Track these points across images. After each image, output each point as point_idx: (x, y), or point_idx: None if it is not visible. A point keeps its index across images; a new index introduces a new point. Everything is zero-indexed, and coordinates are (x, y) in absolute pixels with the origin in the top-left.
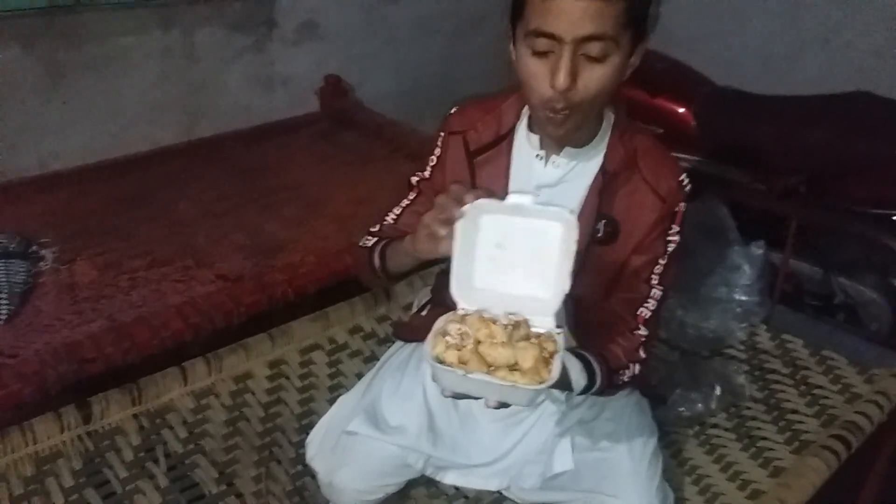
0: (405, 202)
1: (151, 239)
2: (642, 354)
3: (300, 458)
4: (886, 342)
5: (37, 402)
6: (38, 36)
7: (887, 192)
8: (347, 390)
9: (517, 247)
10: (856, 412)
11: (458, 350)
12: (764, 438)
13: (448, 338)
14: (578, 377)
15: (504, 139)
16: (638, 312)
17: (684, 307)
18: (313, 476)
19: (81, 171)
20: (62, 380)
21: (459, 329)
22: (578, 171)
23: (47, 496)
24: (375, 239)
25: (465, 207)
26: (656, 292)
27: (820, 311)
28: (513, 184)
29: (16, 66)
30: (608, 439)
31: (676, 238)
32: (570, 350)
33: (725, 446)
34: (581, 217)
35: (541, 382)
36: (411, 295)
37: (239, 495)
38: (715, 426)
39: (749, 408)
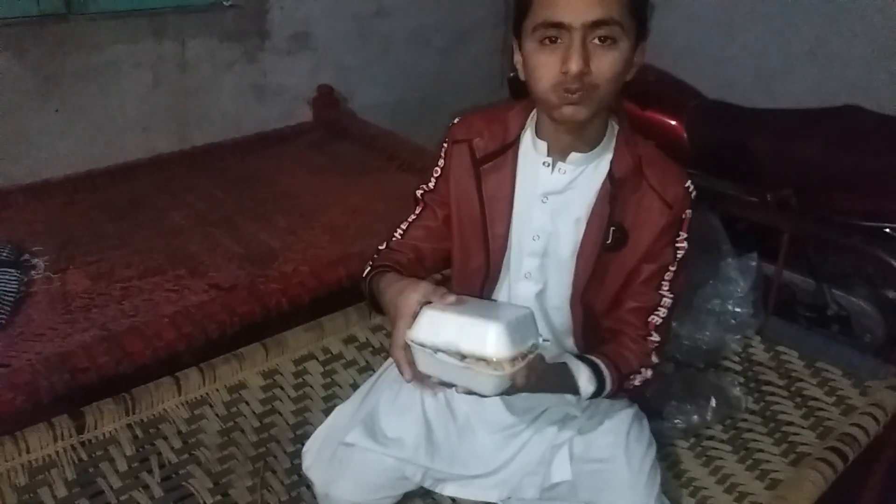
0: (412, 217)
1: (144, 248)
2: (655, 360)
3: (295, 468)
4: (880, 353)
5: (29, 412)
6: (30, 44)
7: (878, 204)
8: (342, 400)
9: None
10: (851, 424)
11: None
12: (760, 450)
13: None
14: (587, 384)
15: (510, 147)
16: (649, 320)
17: (678, 319)
18: (309, 486)
19: (73, 179)
20: (54, 389)
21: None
22: (585, 178)
23: None
24: (370, 268)
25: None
26: (667, 300)
27: (813, 322)
28: (519, 191)
29: (7, 74)
30: (607, 450)
31: (685, 245)
32: (578, 356)
33: (722, 458)
34: (590, 224)
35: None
36: None
37: None
38: (711, 438)
39: (745, 420)
